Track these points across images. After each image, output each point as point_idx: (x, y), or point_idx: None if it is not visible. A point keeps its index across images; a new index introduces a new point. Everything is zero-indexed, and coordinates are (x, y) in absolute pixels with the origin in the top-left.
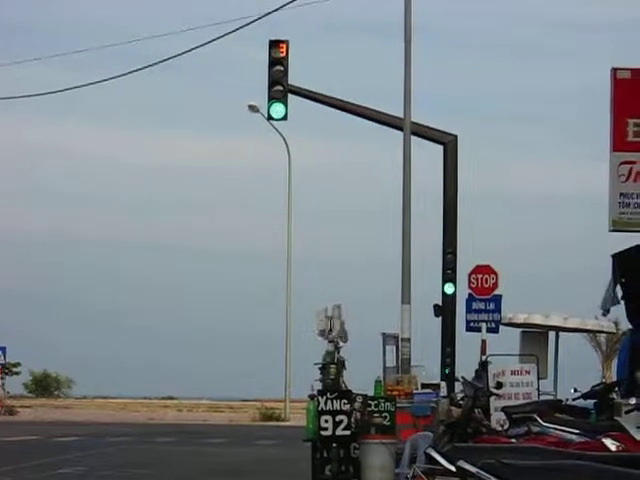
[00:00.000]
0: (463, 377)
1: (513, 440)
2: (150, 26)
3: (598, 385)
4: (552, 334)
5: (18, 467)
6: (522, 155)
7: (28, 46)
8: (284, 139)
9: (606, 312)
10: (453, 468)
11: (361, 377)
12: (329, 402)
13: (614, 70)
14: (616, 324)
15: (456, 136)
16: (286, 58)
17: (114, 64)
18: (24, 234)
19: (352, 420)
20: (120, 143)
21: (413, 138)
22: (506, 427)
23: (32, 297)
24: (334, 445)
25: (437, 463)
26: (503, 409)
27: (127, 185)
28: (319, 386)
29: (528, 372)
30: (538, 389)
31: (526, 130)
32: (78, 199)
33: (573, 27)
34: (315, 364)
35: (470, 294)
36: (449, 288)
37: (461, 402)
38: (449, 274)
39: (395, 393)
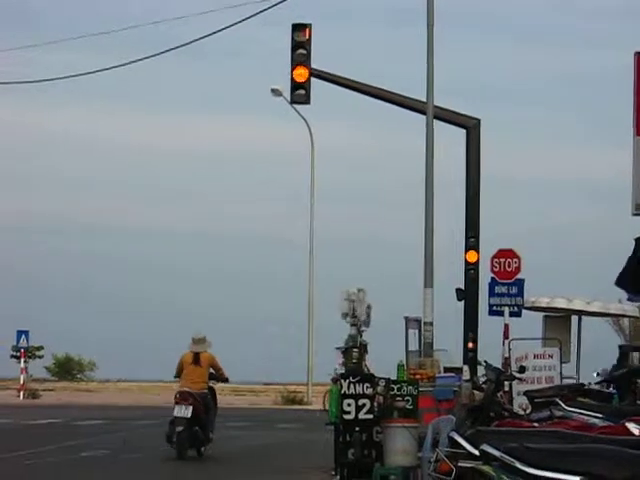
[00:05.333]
0: (486, 361)
1: (536, 424)
2: (171, 9)
3: (616, 367)
4: (575, 318)
5: (40, 450)
6: (540, 139)
7: (48, 29)
8: (307, 123)
9: (633, 297)
10: (476, 452)
11: (384, 361)
12: (352, 386)
13: (638, 54)
14: None
15: (479, 120)
16: (309, 41)
17: (135, 48)
18: (50, 220)
19: (375, 404)
20: (134, 128)
21: (436, 122)
22: (529, 411)
23: (55, 282)
24: (357, 429)
25: (460, 447)
26: (526, 393)
27: (148, 170)
28: (340, 370)
29: (551, 356)
30: (561, 373)
31: (545, 114)
32: (108, 186)
33: (600, 13)
34: (337, 348)
35: (493, 278)
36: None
37: (483, 386)
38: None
39: (417, 377)
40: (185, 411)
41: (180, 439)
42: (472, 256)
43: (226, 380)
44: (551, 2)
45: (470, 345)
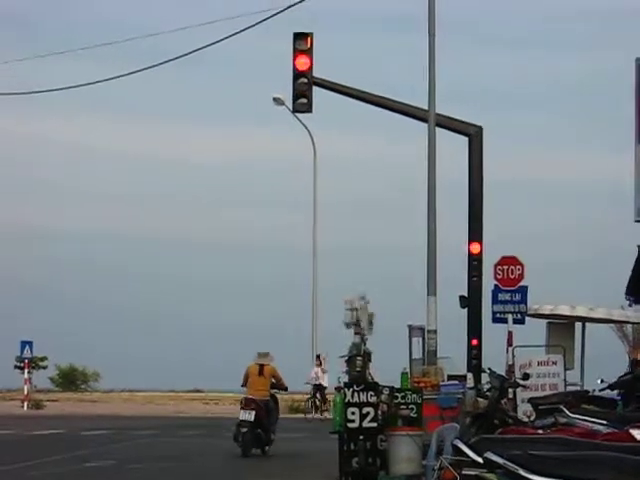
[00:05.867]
0: (489, 368)
1: (540, 431)
2: (173, 20)
3: (625, 376)
4: (578, 325)
5: (44, 461)
6: (542, 144)
7: (52, 41)
8: (309, 131)
9: (633, 303)
10: (480, 459)
11: (387, 369)
12: (356, 394)
13: (639, 60)
14: None
15: (481, 127)
16: (311, 50)
17: (136, 59)
18: (54, 230)
19: (379, 412)
20: (135, 139)
21: (438, 129)
22: (533, 418)
23: (58, 292)
24: (361, 437)
25: (464, 454)
26: (530, 400)
27: (148, 179)
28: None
29: (555, 363)
30: (565, 380)
31: (544, 118)
32: (109, 196)
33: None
34: (341, 357)
35: (496, 285)
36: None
37: (487, 393)
38: (475, 265)
39: (422, 385)
40: (249, 415)
41: (245, 439)
42: (475, 263)
43: (285, 389)
44: (550, 7)
45: (475, 342)
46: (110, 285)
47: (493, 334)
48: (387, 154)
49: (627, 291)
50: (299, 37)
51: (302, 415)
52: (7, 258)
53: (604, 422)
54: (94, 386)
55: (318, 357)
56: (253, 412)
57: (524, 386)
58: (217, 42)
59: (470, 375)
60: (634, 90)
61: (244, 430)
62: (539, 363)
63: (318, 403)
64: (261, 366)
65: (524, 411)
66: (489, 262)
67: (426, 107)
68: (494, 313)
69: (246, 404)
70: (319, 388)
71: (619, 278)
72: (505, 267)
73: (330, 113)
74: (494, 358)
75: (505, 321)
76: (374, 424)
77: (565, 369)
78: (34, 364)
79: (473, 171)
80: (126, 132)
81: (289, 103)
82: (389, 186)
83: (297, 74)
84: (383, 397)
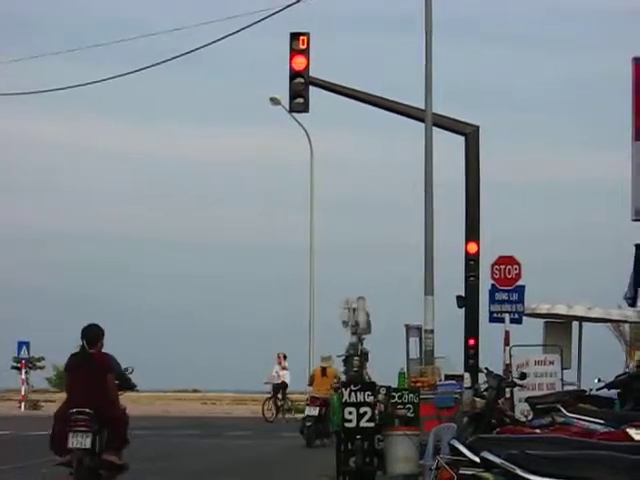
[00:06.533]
0: (487, 368)
1: (537, 430)
2: (169, 20)
3: (622, 375)
4: (575, 324)
5: (41, 461)
6: (539, 143)
7: (46, 41)
8: (306, 131)
9: (630, 302)
10: (477, 459)
11: (385, 369)
12: (353, 394)
13: (635, 60)
14: None
15: (477, 127)
16: (307, 50)
17: (133, 59)
18: (50, 230)
19: (376, 412)
20: (133, 139)
21: (434, 129)
22: (530, 417)
23: (58, 292)
24: (358, 437)
25: (461, 454)
26: (527, 400)
27: (145, 180)
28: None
29: (552, 362)
30: (562, 379)
31: (542, 118)
32: (108, 196)
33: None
34: (338, 356)
35: (493, 285)
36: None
37: (485, 393)
38: (472, 264)
39: (419, 384)
40: (314, 411)
41: (309, 432)
42: (472, 263)
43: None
44: (550, 7)
45: (472, 342)
46: (109, 285)
47: (490, 334)
48: (384, 153)
49: (628, 293)
50: (295, 37)
51: (300, 414)
52: (5, 258)
53: (601, 421)
54: None
55: (279, 356)
56: (317, 408)
57: (521, 385)
58: (214, 42)
59: (467, 375)
60: (631, 88)
61: (309, 424)
62: (536, 362)
63: (279, 403)
64: (324, 368)
65: (521, 410)
66: (486, 262)
67: (423, 106)
68: (491, 313)
69: (311, 401)
70: (281, 387)
71: (616, 277)
72: (502, 267)
73: (327, 113)
74: (491, 358)
75: (502, 321)
76: (371, 424)
77: (562, 368)
78: (31, 364)
79: (470, 170)
80: (124, 132)
81: (286, 103)
82: (386, 185)
83: (293, 74)
84: (380, 397)
